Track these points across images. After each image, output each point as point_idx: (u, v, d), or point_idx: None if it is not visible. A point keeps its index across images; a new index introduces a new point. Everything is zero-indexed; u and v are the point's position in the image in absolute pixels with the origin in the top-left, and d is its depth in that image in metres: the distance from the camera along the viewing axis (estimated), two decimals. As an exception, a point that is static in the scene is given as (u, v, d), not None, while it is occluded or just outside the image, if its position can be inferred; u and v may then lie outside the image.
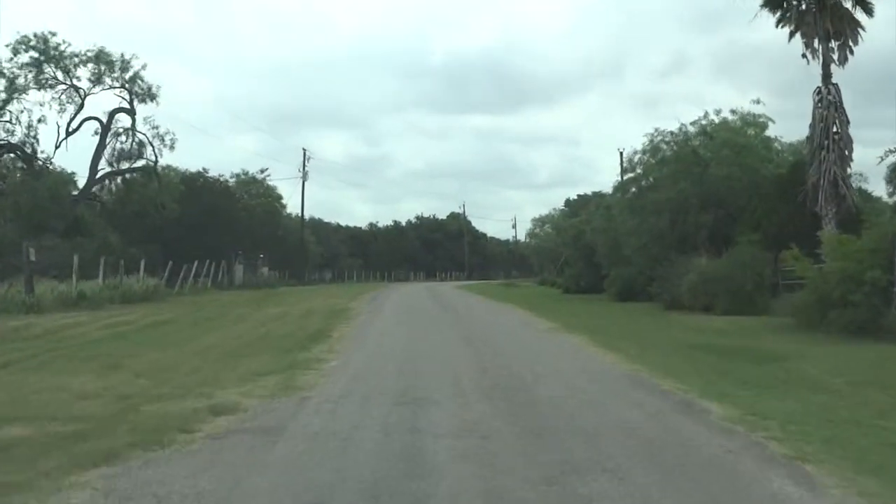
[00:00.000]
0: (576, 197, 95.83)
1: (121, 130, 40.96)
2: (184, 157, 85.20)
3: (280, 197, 63.11)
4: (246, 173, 60.13)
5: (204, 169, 52.01)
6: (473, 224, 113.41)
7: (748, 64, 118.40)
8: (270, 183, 61.56)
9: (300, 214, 69.19)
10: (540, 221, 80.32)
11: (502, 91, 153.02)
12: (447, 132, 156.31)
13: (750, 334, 16.92)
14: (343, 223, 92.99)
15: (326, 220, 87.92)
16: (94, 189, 41.50)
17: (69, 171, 40.88)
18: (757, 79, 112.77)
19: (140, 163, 41.79)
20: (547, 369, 10.97)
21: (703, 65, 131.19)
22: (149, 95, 40.38)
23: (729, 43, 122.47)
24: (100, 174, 41.02)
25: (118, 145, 40.92)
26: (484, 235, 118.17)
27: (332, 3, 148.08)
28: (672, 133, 30.65)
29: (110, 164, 41.28)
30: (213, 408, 7.82)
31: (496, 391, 9.06)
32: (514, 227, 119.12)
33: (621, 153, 61.23)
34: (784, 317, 18.76)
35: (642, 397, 8.69)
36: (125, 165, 41.76)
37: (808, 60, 23.95)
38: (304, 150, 71.26)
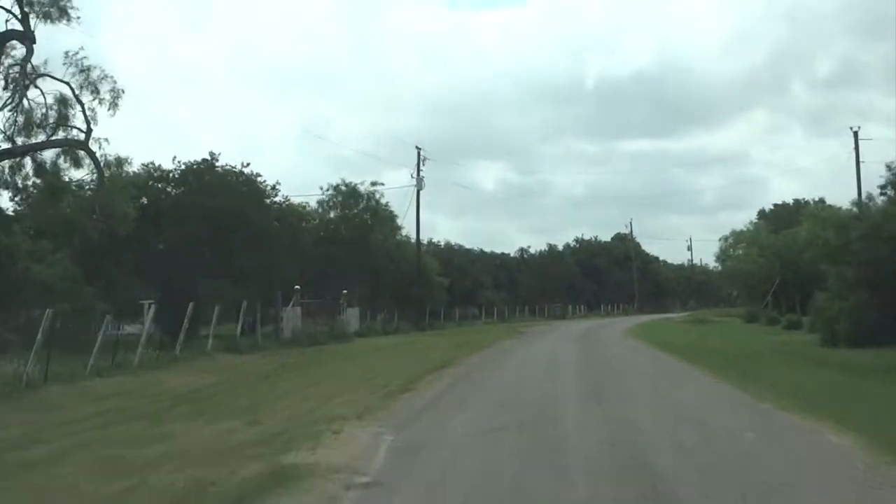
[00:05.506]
0: (771, 207, 77.35)
1: (27, 81, 22.66)
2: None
3: (393, 217, 48.58)
4: (347, 184, 46.00)
5: (212, 154, 33.97)
6: (642, 247, 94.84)
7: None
8: (382, 200, 47.19)
9: (416, 238, 51.11)
10: (732, 239, 61.71)
11: (661, 113, 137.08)
12: (606, 158, 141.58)
13: None
14: (487, 250, 76.79)
15: (468, 246, 72.66)
16: None
17: None
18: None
19: (62, 134, 24.19)
20: None
21: (877, 75, 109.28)
22: (56, 7, 22.45)
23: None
24: None
25: (25, 105, 22.94)
26: (655, 259, 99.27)
27: (484, 34, 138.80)
28: None
29: (8, 139, 23.68)
30: None
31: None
32: (690, 248, 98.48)
33: (856, 133, 44.55)
34: None
35: None
36: (41, 138, 23.75)
37: None
38: (417, 148, 51.10)
